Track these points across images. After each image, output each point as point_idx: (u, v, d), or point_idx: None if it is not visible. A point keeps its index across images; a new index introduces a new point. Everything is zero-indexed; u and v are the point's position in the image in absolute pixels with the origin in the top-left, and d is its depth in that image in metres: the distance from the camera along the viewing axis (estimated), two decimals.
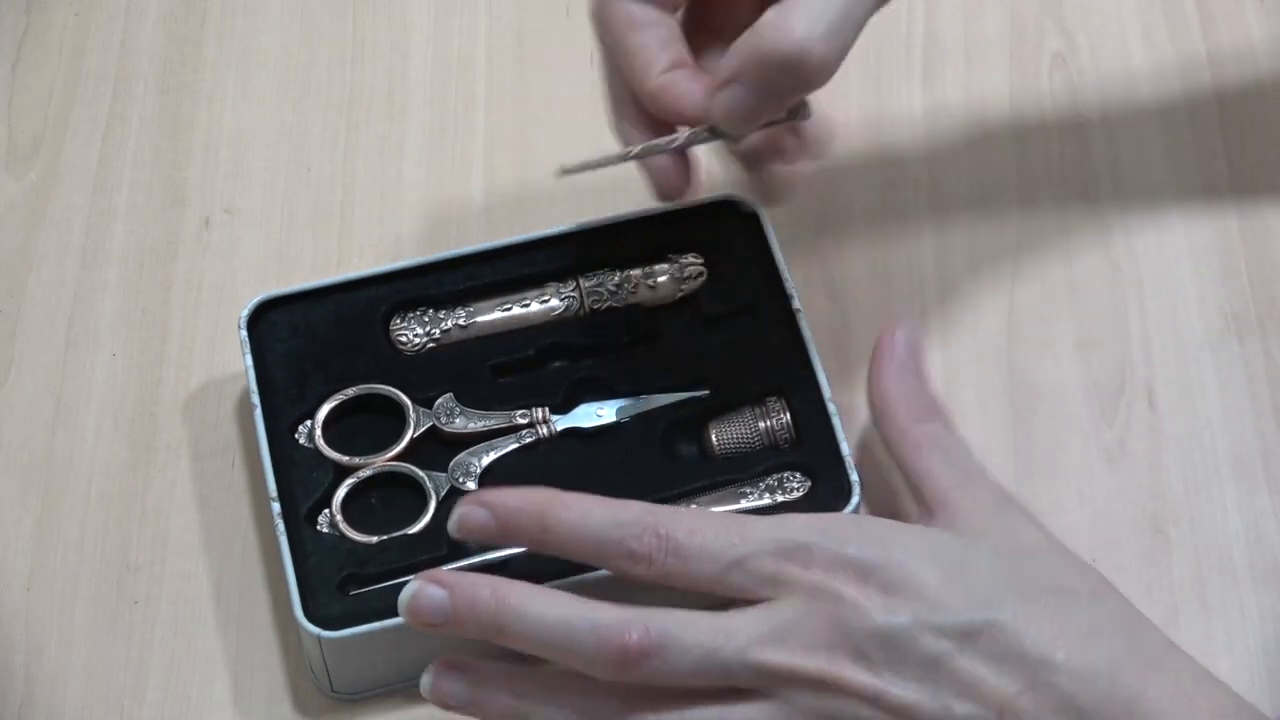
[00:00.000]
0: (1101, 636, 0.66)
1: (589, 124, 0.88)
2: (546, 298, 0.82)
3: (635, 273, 0.82)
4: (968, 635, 0.66)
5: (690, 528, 0.68)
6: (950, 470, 0.74)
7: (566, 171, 0.74)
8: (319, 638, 0.73)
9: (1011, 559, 0.69)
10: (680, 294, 0.82)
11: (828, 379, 0.79)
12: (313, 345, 0.81)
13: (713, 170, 0.89)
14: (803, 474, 0.77)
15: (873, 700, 0.66)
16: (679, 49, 0.74)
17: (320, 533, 0.77)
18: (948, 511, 0.72)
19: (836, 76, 0.93)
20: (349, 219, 0.89)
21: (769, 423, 0.78)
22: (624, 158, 0.73)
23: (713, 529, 0.68)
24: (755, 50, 0.70)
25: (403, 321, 0.81)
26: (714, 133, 0.73)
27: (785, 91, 0.72)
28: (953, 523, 0.72)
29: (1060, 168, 0.88)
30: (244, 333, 0.81)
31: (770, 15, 0.70)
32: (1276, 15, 0.92)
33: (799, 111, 0.74)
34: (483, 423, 0.79)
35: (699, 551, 0.68)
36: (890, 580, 0.67)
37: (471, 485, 0.77)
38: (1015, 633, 0.66)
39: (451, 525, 0.70)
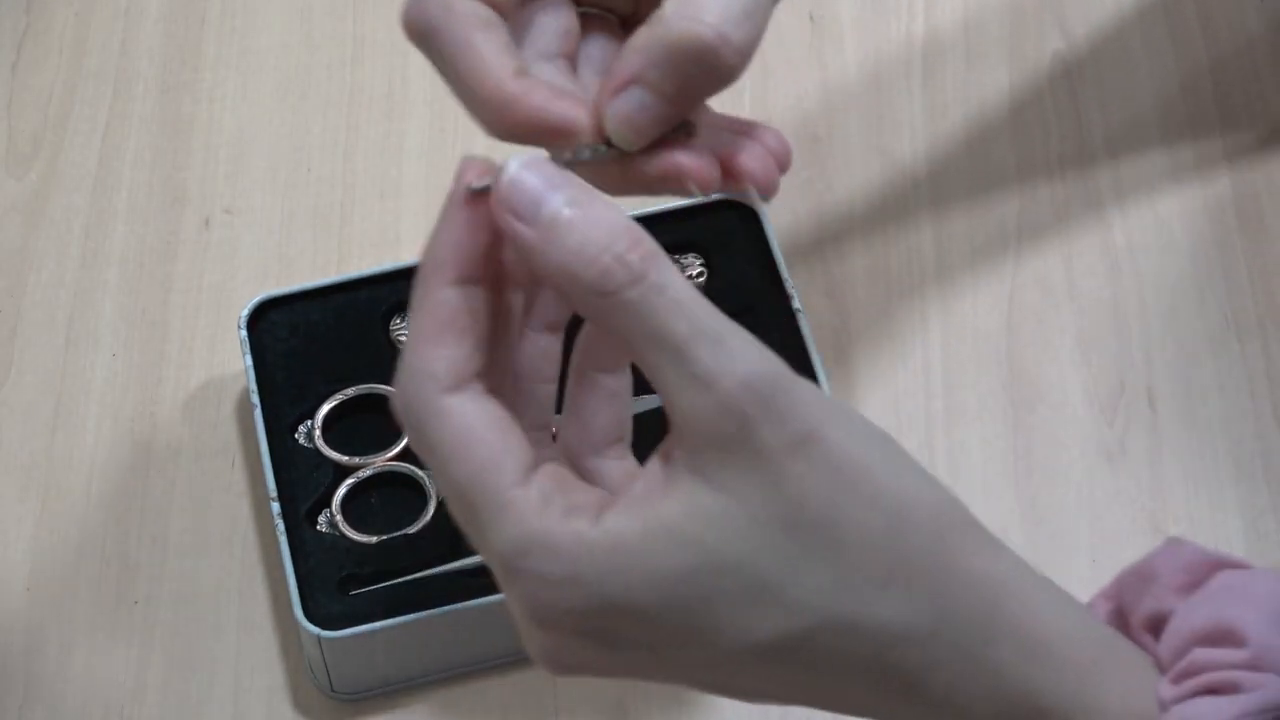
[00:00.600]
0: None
1: None
2: None
3: None
4: None
5: None
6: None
7: (475, 191, 0.58)
8: (319, 638, 0.73)
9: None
10: None
11: (828, 379, 0.79)
12: (313, 345, 0.81)
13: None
14: None
15: None
16: (519, 56, 0.62)
17: (320, 533, 0.77)
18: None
19: (836, 75, 0.93)
20: (349, 219, 0.89)
21: None
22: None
23: None
24: (660, 43, 0.59)
25: (403, 321, 0.81)
26: (609, 145, 0.61)
27: (697, 92, 0.61)
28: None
29: (1060, 167, 0.88)
30: (244, 333, 0.81)
31: (672, 4, 0.60)
32: (1276, 15, 0.92)
33: (688, 126, 0.61)
34: None
35: None
36: None
37: None
38: None
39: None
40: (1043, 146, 0.89)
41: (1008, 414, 0.82)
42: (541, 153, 0.54)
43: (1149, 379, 0.83)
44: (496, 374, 0.55)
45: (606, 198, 0.53)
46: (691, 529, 0.52)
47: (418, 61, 0.93)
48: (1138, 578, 0.56)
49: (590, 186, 0.53)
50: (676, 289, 0.52)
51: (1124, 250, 0.86)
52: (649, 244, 0.52)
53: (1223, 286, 0.85)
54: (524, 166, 0.53)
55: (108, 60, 0.93)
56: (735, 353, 0.51)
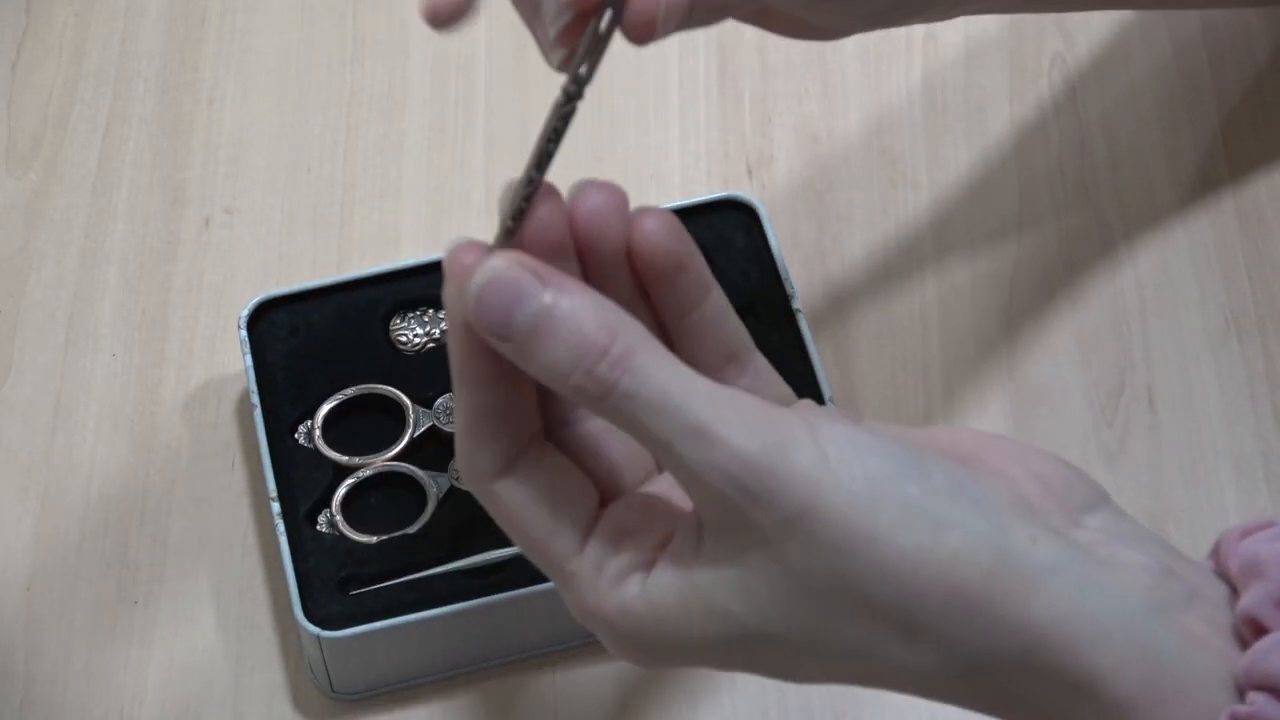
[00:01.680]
0: None
1: (589, 123, 0.88)
2: None
3: None
4: None
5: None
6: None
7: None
8: (319, 638, 0.73)
9: None
10: None
11: (828, 379, 0.79)
12: (313, 345, 0.81)
13: (713, 170, 0.89)
14: None
15: None
16: None
17: (320, 533, 0.77)
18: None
19: (839, 75, 0.93)
20: (349, 219, 0.89)
21: None
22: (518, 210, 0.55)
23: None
24: None
25: (403, 321, 0.81)
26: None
27: None
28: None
29: (1060, 168, 0.88)
30: (244, 333, 0.81)
31: None
32: (1276, 15, 0.92)
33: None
34: None
35: None
36: None
37: None
38: None
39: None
40: (1043, 147, 0.89)
41: (1008, 414, 0.82)
42: (504, 260, 0.53)
43: (1149, 379, 0.83)
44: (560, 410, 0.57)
45: (581, 290, 0.53)
46: (720, 600, 0.53)
47: (418, 61, 0.93)
48: (1249, 566, 0.54)
49: (565, 278, 0.53)
50: (650, 389, 0.52)
51: (1124, 250, 0.86)
52: (619, 346, 0.52)
53: (1223, 286, 0.85)
54: (487, 282, 0.53)
55: (108, 60, 0.93)
56: (717, 442, 0.52)
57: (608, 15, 0.55)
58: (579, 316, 0.53)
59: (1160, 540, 0.56)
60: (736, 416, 0.52)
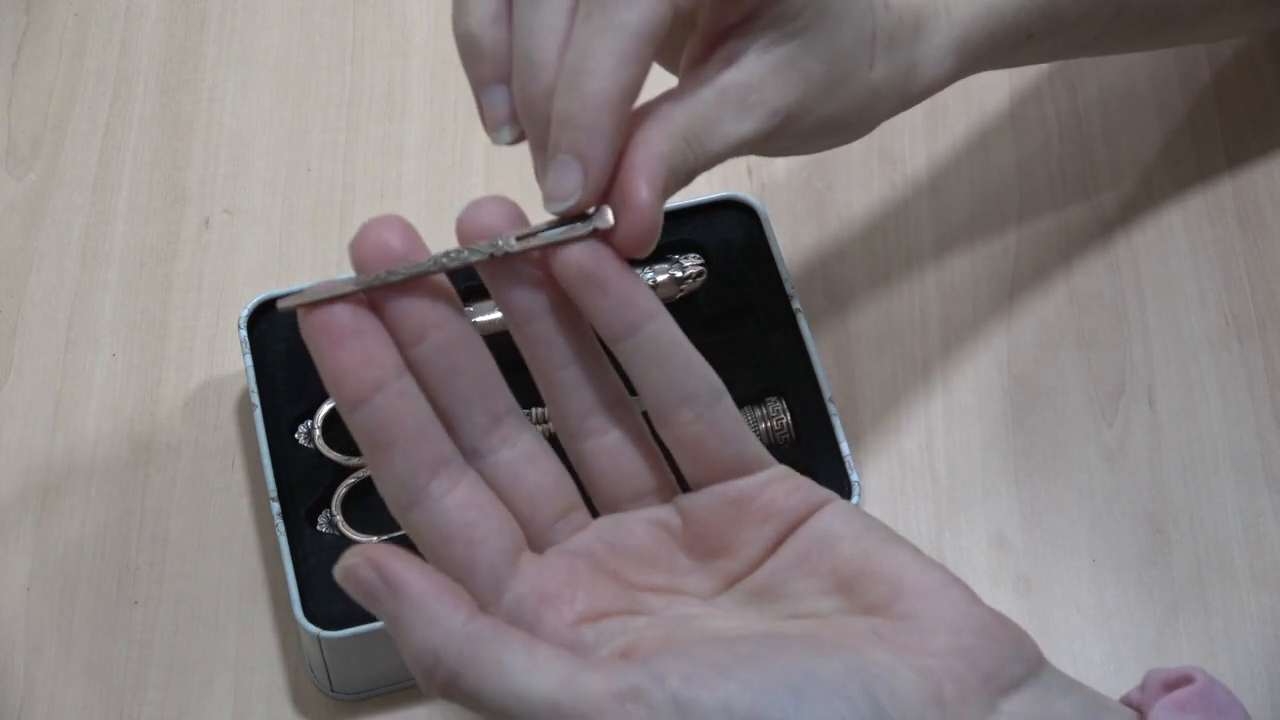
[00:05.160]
0: None
1: None
2: None
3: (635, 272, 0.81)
4: None
5: None
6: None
7: (286, 308, 0.57)
8: (319, 638, 0.73)
9: None
10: (680, 294, 0.82)
11: (828, 379, 0.79)
12: None
13: (712, 169, 0.89)
14: (803, 474, 0.77)
15: None
16: None
17: (320, 533, 0.77)
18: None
19: None
20: (349, 219, 0.89)
21: (769, 423, 0.78)
22: (370, 283, 0.57)
23: None
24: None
25: None
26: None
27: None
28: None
29: (1060, 168, 0.88)
30: (244, 333, 0.81)
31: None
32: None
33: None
34: None
35: None
36: None
37: None
38: None
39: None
40: (1043, 147, 0.89)
41: (1008, 414, 0.82)
42: (356, 558, 0.52)
43: (1149, 379, 0.83)
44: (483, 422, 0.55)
45: (417, 598, 0.51)
46: None
47: (418, 61, 0.93)
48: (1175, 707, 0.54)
49: (406, 578, 0.52)
50: (489, 688, 0.51)
51: (1124, 250, 0.86)
52: (442, 671, 0.51)
53: (1223, 286, 0.85)
54: (343, 575, 0.52)
55: (108, 60, 0.94)
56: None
57: (582, 229, 0.55)
58: (412, 633, 0.51)
59: (1084, 714, 0.54)
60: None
